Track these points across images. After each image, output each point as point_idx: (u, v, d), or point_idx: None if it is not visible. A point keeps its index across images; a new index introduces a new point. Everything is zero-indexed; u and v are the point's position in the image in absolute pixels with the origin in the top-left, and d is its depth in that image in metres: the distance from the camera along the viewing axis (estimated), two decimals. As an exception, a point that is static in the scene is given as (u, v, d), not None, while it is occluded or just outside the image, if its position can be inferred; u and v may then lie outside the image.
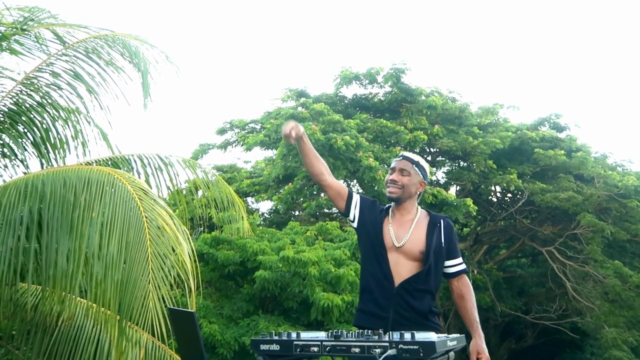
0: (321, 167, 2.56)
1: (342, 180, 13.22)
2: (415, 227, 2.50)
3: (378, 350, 1.60)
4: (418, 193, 2.56)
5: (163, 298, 3.50)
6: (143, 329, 3.58)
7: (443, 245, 2.48)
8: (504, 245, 15.60)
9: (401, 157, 2.59)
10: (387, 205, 2.61)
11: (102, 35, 4.59)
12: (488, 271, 13.69)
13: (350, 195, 2.57)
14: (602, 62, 41.45)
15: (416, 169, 2.53)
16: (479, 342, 2.30)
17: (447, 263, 2.50)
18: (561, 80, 40.10)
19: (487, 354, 2.26)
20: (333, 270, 7.78)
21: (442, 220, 2.54)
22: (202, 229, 7.92)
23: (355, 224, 2.57)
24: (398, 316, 2.32)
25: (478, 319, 2.40)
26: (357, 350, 1.66)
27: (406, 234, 2.47)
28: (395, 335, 1.64)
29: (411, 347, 1.57)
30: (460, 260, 2.55)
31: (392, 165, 2.58)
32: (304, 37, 46.82)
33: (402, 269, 2.43)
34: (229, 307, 7.98)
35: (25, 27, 4.28)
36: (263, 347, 1.84)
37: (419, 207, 2.60)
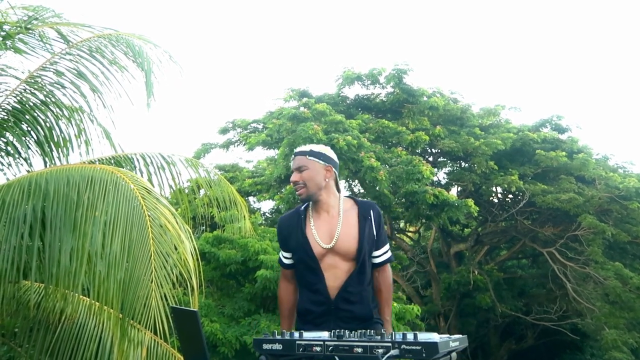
0: (293, 314, 2.46)
1: (343, 181, 13.25)
2: (345, 222, 2.32)
3: (381, 351, 1.61)
4: (328, 180, 2.36)
5: (165, 296, 3.51)
6: (145, 327, 3.60)
7: (375, 237, 2.34)
8: (504, 246, 15.60)
9: (294, 155, 2.44)
10: (298, 209, 2.43)
11: (105, 34, 4.60)
12: (489, 272, 13.69)
13: (286, 266, 2.46)
14: (604, 64, 41.40)
15: (311, 158, 2.36)
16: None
17: (375, 253, 2.36)
18: (563, 82, 40.06)
19: None
20: (334, 270, 7.79)
21: (372, 211, 2.36)
22: (204, 228, 7.93)
23: (295, 258, 2.42)
24: (337, 328, 2.04)
25: (389, 317, 2.37)
26: (359, 350, 1.67)
27: (335, 231, 2.30)
28: (398, 336, 1.64)
29: (414, 347, 1.58)
30: (386, 248, 2.39)
31: (292, 167, 2.43)
32: (307, 37, 46.81)
33: (340, 272, 2.30)
34: (231, 306, 8.00)
35: (29, 26, 4.29)
36: (266, 346, 1.85)
37: (342, 196, 2.41)
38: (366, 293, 2.34)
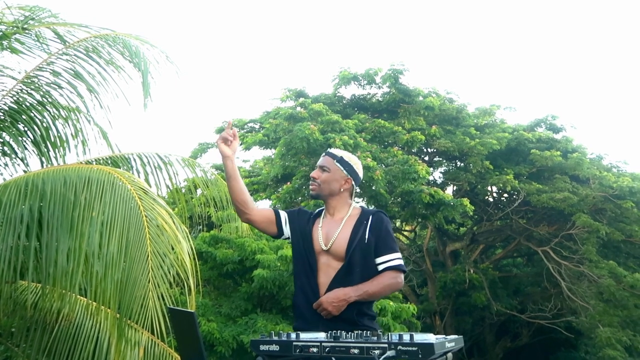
0: (247, 197, 2.40)
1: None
2: (344, 226, 2.37)
3: (377, 352, 1.63)
4: (343, 190, 2.42)
5: (162, 296, 3.52)
6: (142, 327, 3.60)
7: (367, 241, 2.31)
8: (500, 245, 15.68)
9: (324, 154, 2.49)
10: (318, 210, 2.50)
11: (102, 34, 4.60)
12: (484, 270, 13.76)
13: (278, 214, 2.46)
14: (599, 64, 41.58)
15: (338, 164, 2.42)
16: (344, 289, 2.23)
17: (377, 260, 2.32)
18: (558, 82, 40.22)
19: (334, 299, 2.22)
20: (330, 269, 7.80)
21: (371, 216, 2.37)
22: (200, 227, 7.93)
23: (290, 238, 2.46)
24: (327, 328, 2.04)
25: (366, 289, 2.24)
26: (356, 351, 1.69)
27: (334, 234, 2.36)
28: (394, 337, 1.67)
29: (410, 348, 1.61)
30: (392, 256, 2.32)
31: (318, 162, 2.48)
32: (303, 37, 46.80)
33: (331, 271, 2.33)
34: (228, 305, 8.00)
35: (26, 26, 4.28)
36: (263, 347, 1.87)
37: (354, 205, 2.45)
38: None
